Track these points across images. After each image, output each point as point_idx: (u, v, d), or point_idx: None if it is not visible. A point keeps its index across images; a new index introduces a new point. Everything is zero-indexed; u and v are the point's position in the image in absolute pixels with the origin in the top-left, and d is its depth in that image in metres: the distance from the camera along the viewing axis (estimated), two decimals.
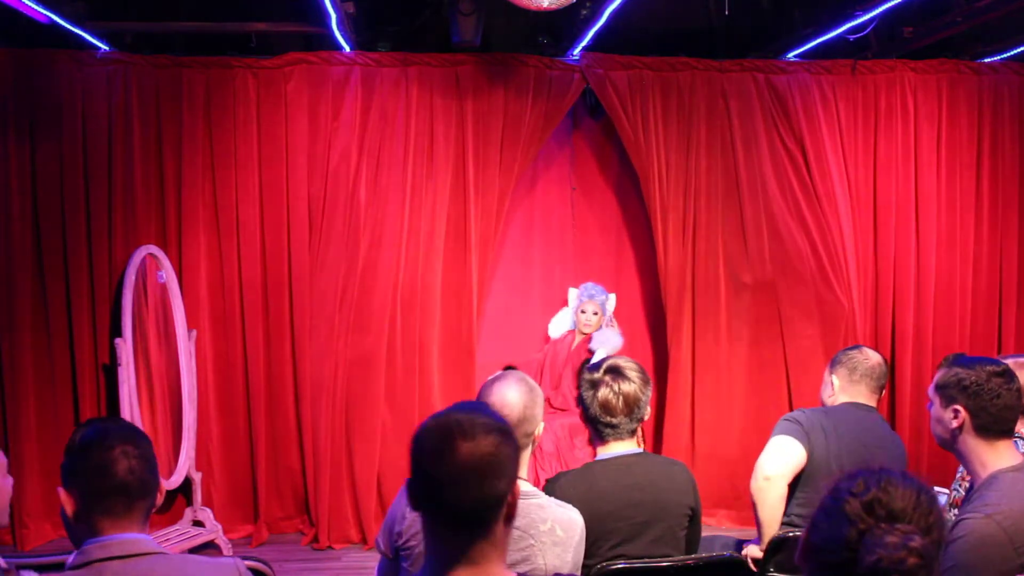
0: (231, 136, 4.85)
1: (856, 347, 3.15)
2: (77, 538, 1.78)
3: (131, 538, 1.75)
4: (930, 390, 2.26)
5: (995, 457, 2.13)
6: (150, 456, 1.80)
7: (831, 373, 3.08)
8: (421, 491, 1.49)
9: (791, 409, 5.15)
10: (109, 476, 1.74)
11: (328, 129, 4.89)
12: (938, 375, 2.24)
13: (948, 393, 2.18)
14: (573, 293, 5.51)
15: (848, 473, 1.41)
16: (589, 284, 5.44)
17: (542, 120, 5.01)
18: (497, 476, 1.47)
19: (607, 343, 5.22)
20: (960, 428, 2.16)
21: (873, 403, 3.03)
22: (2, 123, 4.70)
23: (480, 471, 1.45)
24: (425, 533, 1.52)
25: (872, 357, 3.03)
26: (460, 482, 1.44)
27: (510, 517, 1.51)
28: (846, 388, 3.02)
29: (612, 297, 5.51)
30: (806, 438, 2.84)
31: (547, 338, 5.55)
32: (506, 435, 1.51)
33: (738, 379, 5.21)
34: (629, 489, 2.53)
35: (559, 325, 5.55)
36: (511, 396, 2.31)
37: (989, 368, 2.16)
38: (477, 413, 1.52)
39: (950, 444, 2.22)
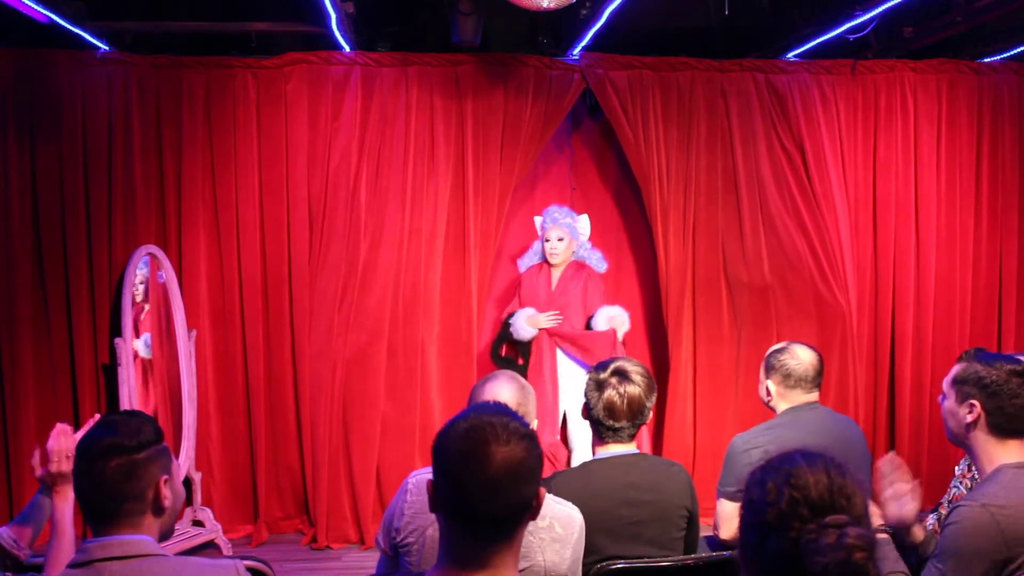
0: (231, 136, 4.85)
1: (784, 347, 3.06)
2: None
3: (131, 539, 1.76)
4: (945, 383, 2.24)
5: (1005, 454, 2.14)
6: (131, 463, 1.78)
7: (766, 377, 3.04)
8: (448, 495, 1.44)
9: None
10: (81, 491, 1.80)
11: (328, 129, 4.89)
12: (956, 369, 2.22)
13: (965, 389, 2.17)
14: (539, 222, 5.02)
15: (752, 478, 1.39)
16: (553, 207, 4.97)
17: (542, 120, 5.01)
18: (528, 482, 1.44)
19: (613, 317, 4.76)
20: (974, 423, 2.16)
21: (813, 398, 3.00)
22: (2, 123, 4.70)
23: (513, 477, 1.41)
24: (442, 533, 1.49)
25: (804, 359, 2.99)
26: (493, 488, 1.40)
27: (531, 520, 1.49)
28: (783, 394, 3.00)
29: (584, 219, 4.99)
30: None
31: (519, 278, 5.13)
32: (534, 440, 1.48)
33: (739, 379, 5.21)
34: (625, 488, 2.53)
35: (528, 260, 5.06)
36: (504, 394, 2.35)
37: (1009, 367, 2.15)
38: (508, 417, 1.47)
39: (961, 439, 2.21)
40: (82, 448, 1.81)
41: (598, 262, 5.00)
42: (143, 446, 1.80)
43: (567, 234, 4.88)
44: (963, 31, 4.78)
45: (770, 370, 3.03)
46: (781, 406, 3.02)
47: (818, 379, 3.02)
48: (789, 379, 2.98)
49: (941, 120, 5.27)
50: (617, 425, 2.56)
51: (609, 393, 2.54)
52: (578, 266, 4.96)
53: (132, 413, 1.97)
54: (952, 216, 5.30)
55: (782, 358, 3.00)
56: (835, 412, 3.16)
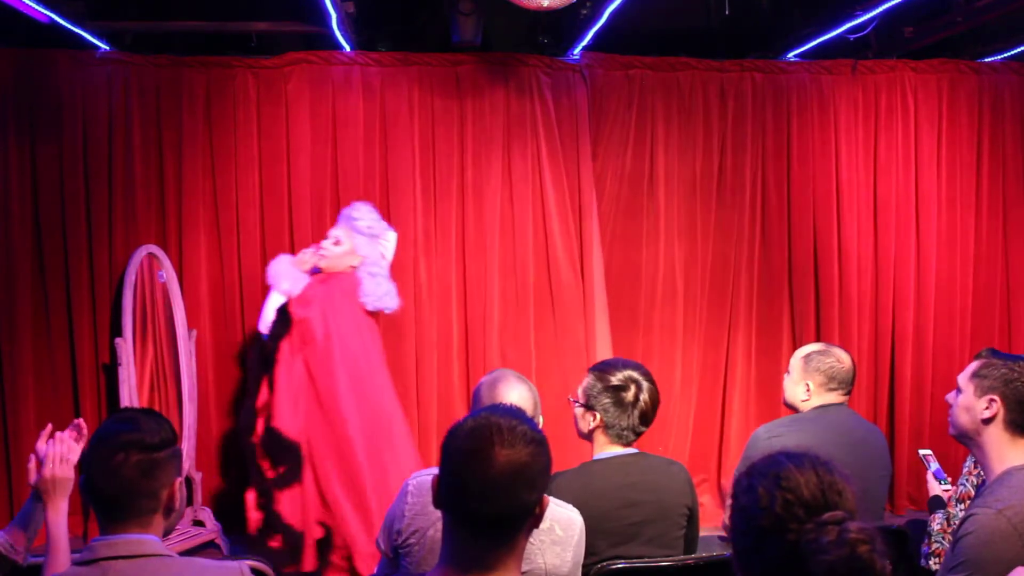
0: (231, 136, 4.84)
1: (826, 350, 3.06)
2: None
3: (137, 538, 1.75)
4: (962, 379, 2.23)
5: (1015, 454, 2.13)
6: (150, 460, 1.77)
7: (806, 376, 3.03)
8: (449, 492, 1.44)
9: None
10: (93, 484, 1.78)
11: (329, 128, 4.89)
12: (975, 364, 2.22)
13: (987, 383, 2.16)
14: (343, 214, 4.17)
15: (739, 486, 1.38)
16: (362, 205, 4.08)
17: (542, 120, 5.01)
18: (528, 487, 1.43)
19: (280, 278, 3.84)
20: (991, 420, 2.15)
21: (844, 400, 3.03)
22: (2, 123, 4.70)
23: (513, 481, 1.41)
24: (444, 532, 1.49)
25: (845, 361, 3.01)
26: (491, 489, 1.40)
27: (533, 528, 1.48)
28: (820, 394, 3.01)
29: (391, 236, 4.14)
30: None
31: None
32: (543, 446, 1.47)
33: (735, 381, 5.23)
34: (626, 488, 2.52)
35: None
36: (518, 396, 2.34)
37: None
38: (517, 420, 1.47)
39: (972, 435, 2.19)
40: (100, 439, 1.79)
41: (384, 296, 3.96)
42: (164, 445, 1.80)
43: (352, 241, 3.98)
44: (963, 31, 4.78)
45: (812, 371, 3.02)
46: (812, 404, 3.03)
47: (853, 383, 3.05)
48: (832, 381, 2.99)
49: (941, 120, 5.27)
50: (644, 429, 2.58)
51: (643, 399, 2.54)
52: (350, 282, 3.96)
53: (148, 411, 1.94)
54: (952, 216, 5.30)
55: (827, 361, 3.01)
56: (861, 417, 3.16)
